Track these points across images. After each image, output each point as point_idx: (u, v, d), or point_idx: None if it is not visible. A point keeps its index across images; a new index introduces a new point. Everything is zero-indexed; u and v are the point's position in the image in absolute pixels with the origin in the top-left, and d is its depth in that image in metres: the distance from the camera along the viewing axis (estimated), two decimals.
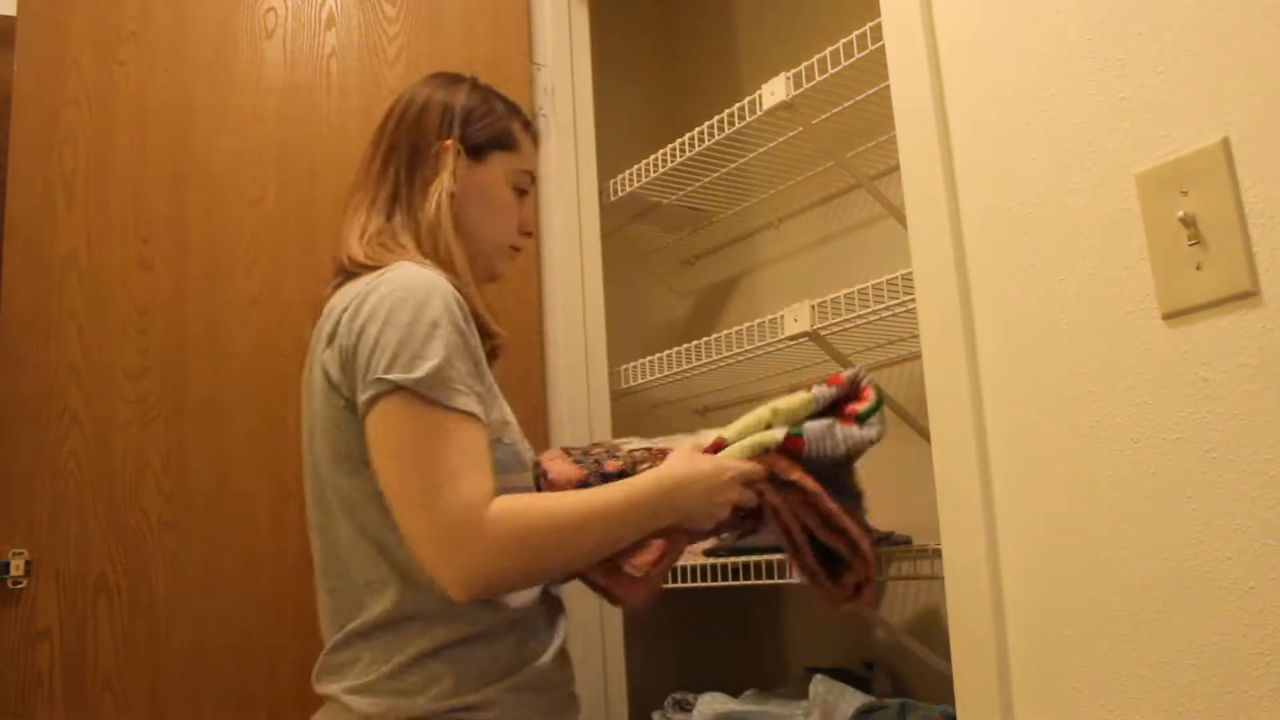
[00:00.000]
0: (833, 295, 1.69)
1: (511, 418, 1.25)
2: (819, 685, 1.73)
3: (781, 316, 1.75)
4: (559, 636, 1.23)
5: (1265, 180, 0.88)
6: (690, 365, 1.97)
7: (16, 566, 1.57)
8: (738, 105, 1.91)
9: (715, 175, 2.17)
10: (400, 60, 1.97)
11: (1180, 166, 0.93)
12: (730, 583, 1.87)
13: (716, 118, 1.96)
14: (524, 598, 1.18)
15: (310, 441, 1.23)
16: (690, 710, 1.81)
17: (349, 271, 1.25)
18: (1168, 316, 0.94)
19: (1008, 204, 1.10)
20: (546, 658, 1.19)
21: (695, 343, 1.95)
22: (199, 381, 1.74)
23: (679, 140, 2.06)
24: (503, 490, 1.10)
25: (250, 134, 1.84)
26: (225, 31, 1.86)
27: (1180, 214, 0.93)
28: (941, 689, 1.69)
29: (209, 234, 1.79)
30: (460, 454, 1.07)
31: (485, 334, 1.22)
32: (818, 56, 1.73)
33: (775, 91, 1.80)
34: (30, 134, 1.70)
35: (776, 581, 1.77)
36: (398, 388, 1.07)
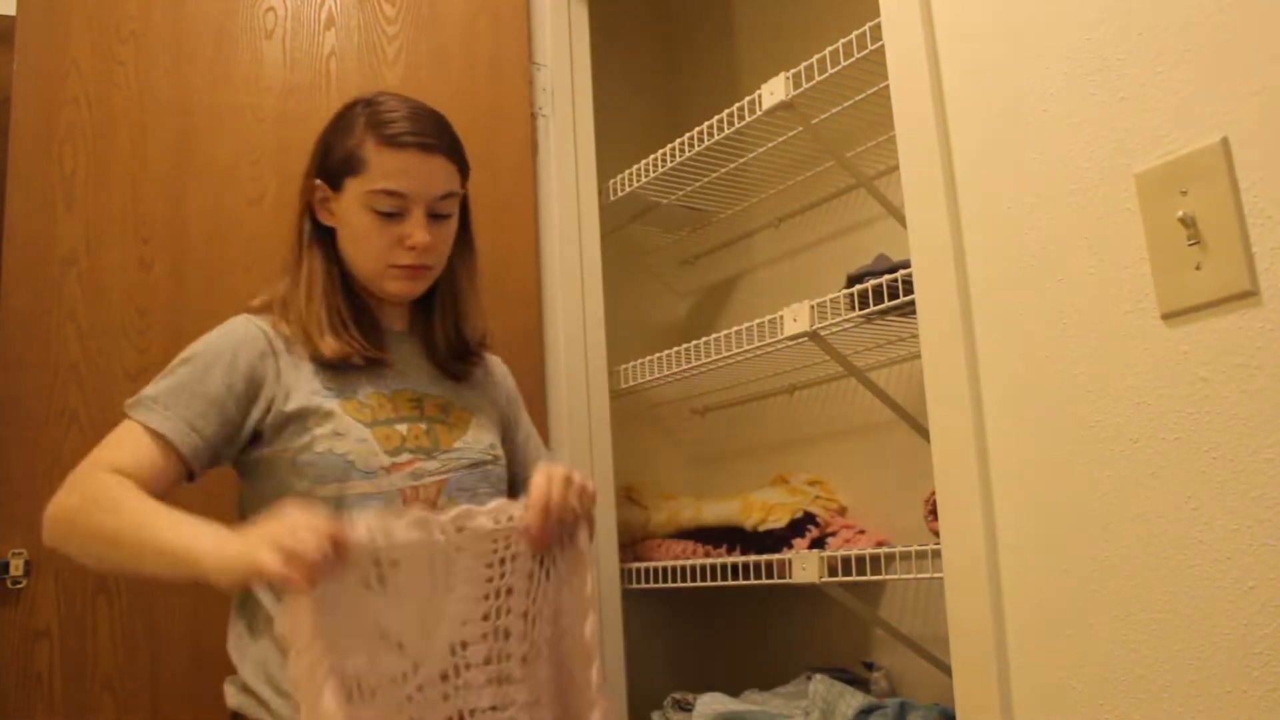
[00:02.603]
0: (832, 295, 1.70)
1: (346, 426, 1.27)
2: (819, 685, 1.73)
3: (781, 316, 1.75)
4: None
5: (1265, 180, 0.88)
6: (690, 365, 1.97)
7: (16, 566, 1.57)
8: (737, 105, 1.91)
9: (715, 175, 2.17)
10: (400, 60, 1.97)
11: (1180, 166, 0.93)
12: (730, 582, 1.88)
13: (716, 117, 1.96)
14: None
15: None
16: (690, 710, 1.81)
17: None
18: (1167, 316, 0.94)
19: (1007, 204, 1.10)
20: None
21: (695, 343, 1.95)
22: None
23: (678, 140, 2.06)
24: (314, 497, 1.22)
25: (250, 134, 1.84)
26: (225, 31, 1.86)
27: (1180, 214, 0.93)
28: (941, 689, 1.69)
29: (208, 234, 1.79)
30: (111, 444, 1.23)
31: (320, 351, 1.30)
32: (817, 56, 1.73)
33: (775, 91, 1.80)
34: (30, 134, 1.70)
35: (776, 581, 1.77)
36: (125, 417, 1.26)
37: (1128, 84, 0.99)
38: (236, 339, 1.29)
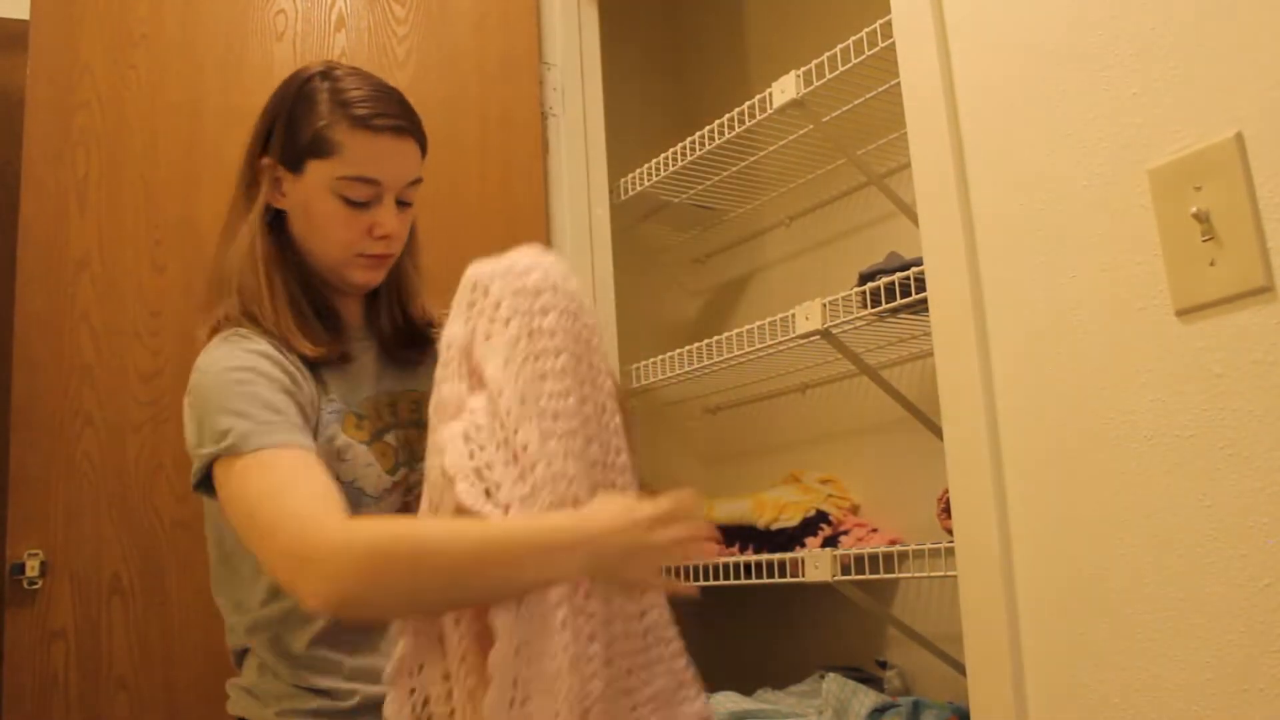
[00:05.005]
0: (844, 293, 1.69)
1: (349, 450, 1.18)
2: (832, 684, 1.72)
3: (793, 315, 1.75)
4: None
5: (1279, 175, 0.87)
6: (702, 364, 1.97)
7: (32, 567, 1.58)
8: (748, 103, 1.90)
9: (726, 174, 2.17)
10: (410, 61, 1.97)
11: (1193, 162, 0.93)
12: (744, 581, 1.87)
13: (726, 116, 1.96)
14: None
15: None
16: None
17: None
18: (1181, 313, 0.94)
19: (1020, 201, 1.10)
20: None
21: (706, 341, 1.95)
22: None
23: (689, 139, 2.06)
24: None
25: None
26: (235, 34, 1.87)
27: (1193, 210, 0.92)
28: (955, 688, 1.69)
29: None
30: (279, 481, 1.04)
31: (298, 354, 1.18)
32: (828, 54, 1.73)
33: (785, 89, 1.80)
34: (43, 138, 1.71)
35: (790, 580, 1.77)
36: (210, 459, 1.08)
37: (1141, 80, 0.98)
38: (252, 359, 1.13)
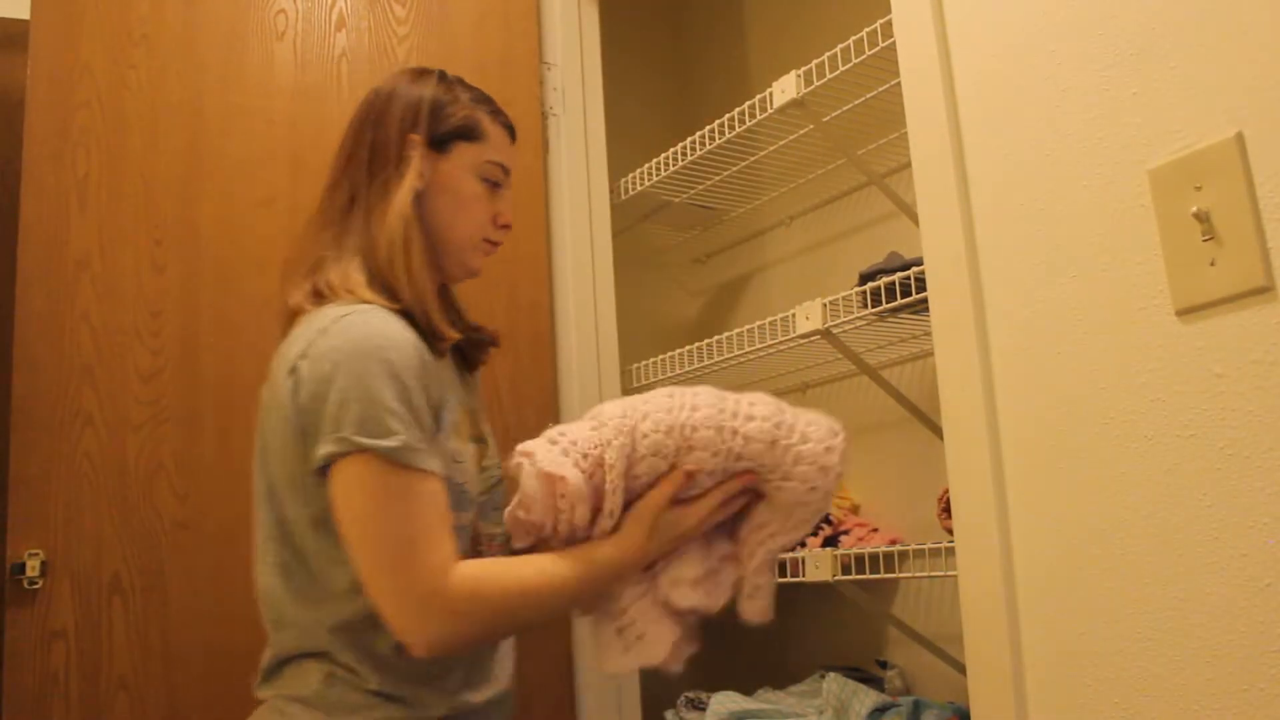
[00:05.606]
0: (845, 293, 1.69)
1: (461, 453, 1.20)
2: (833, 684, 1.72)
3: (793, 315, 1.75)
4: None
5: (1279, 175, 0.87)
6: (702, 364, 1.97)
7: (33, 567, 1.58)
8: (748, 103, 1.90)
9: (726, 174, 2.17)
10: (410, 61, 1.97)
11: (1194, 162, 0.93)
12: None
13: (727, 116, 1.96)
14: None
15: (263, 457, 1.18)
16: (703, 708, 1.81)
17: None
18: (1181, 313, 0.94)
19: (1020, 200, 1.10)
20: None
21: (707, 341, 1.94)
22: (211, 382, 1.74)
23: (689, 139, 2.06)
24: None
25: (261, 136, 1.85)
26: (236, 34, 1.87)
27: (1194, 210, 0.92)
28: (955, 687, 1.69)
29: (220, 236, 1.79)
30: (423, 517, 1.08)
31: (435, 336, 1.20)
32: (828, 54, 1.73)
33: (786, 89, 1.80)
34: (44, 138, 1.71)
35: (790, 580, 1.77)
36: (362, 450, 1.06)
37: (1141, 79, 0.98)
38: (403, 341, 1.13)
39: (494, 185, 1.30)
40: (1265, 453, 0.87)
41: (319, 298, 1.18)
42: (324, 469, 1.08)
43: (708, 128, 2.01)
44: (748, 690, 1.86)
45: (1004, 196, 1.12)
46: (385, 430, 1.06)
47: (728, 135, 1.97)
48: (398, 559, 1.06)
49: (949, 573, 1.46)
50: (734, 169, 2.15)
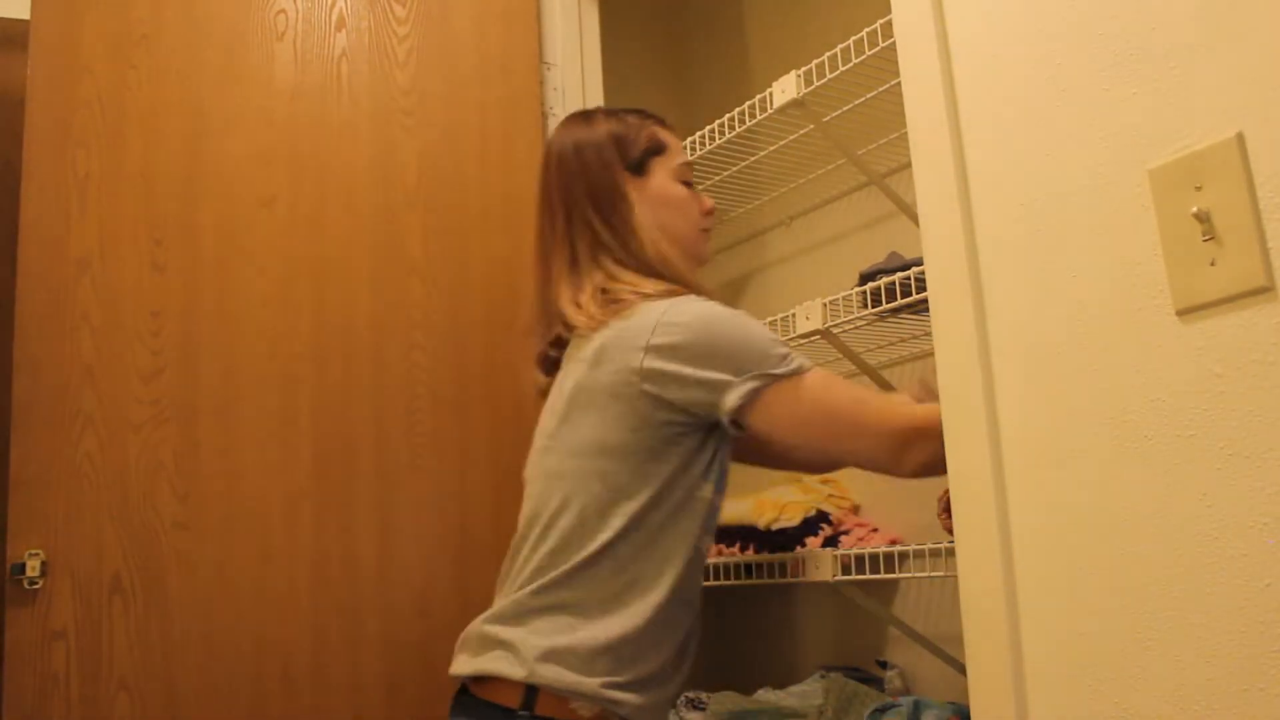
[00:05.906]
0: (844, 293, 1.69)
1: None
2: (833, 684, 1.72)
3: (793, 314, 1.75)
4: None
5: (1279, 175, 0.87)
6: None
7: (33, 567, 1.58)
8: (748, 103, 1.90)
9: (726, 174, 2.17)
10: (411, 61, 1.97)
11: (1194, 162, 0.93)
12: (745, 581, 1.87)
13: (727, 116, 1.96)
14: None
15: (575, 431, 1.34)
16: (703, 708, 1.81)
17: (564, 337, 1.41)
18: (1181, 313, 0.94)
19: (1020, 200, 1.10)
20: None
21: None
22: (211, 382, 1.74)
23: (689, 138, 2.06)
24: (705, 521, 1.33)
25: (261, 136, 1.85)
26: (236, 34, 1.87)
27: (1194, 210, 0.92)
28: (955, 688, 1.69)
29: (221, 236, 1.80)
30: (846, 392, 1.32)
31: None
32: (828, 54, 1.73)
33: (786, 89, 1.80)
34: (44, 137, 1.71)
35: (791, 580, 1.77)
36: (779, 378, 1.28)
37: (1141, 79, 0.98)
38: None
39: (689, 184, 1.49)
40: (1265, 453, 0.87)
41: (615, 303, 1.34)
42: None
43: (708, 128, 2.01)
44: (748, 690, 1.86)
45: (1004, 196, 1.12)
46: (776, 358, 1.29)
47: (728, 135, 1.97)
48: (862, 422, 1.29)
49: (949, 573, 1.46)
50: (734, 169, 2.15)
